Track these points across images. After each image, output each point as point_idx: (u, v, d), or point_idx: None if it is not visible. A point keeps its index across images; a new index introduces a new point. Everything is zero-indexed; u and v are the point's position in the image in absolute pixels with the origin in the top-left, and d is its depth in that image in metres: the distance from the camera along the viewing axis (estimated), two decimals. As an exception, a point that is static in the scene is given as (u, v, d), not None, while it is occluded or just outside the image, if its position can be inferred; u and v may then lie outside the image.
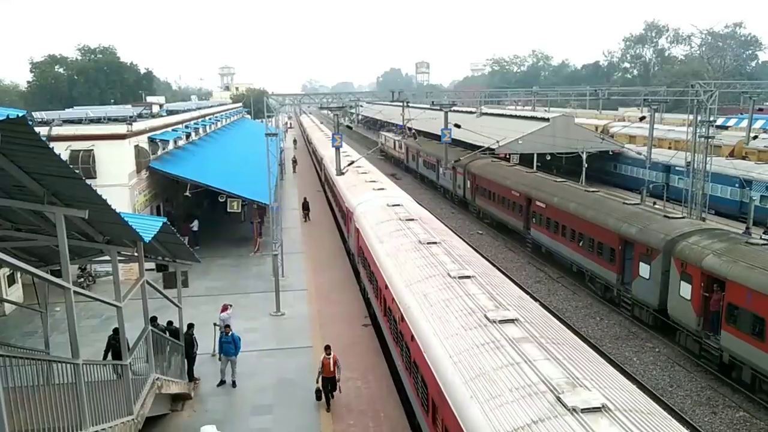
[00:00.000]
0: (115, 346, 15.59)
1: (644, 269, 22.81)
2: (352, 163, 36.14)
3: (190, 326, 17.88)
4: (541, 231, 32.06)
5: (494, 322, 12.43)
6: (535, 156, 49.29)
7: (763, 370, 17.29)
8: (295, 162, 69.97)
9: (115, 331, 15.78)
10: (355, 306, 24.60)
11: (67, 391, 9.55)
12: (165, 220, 13.46)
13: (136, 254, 13.29)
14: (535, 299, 25.48)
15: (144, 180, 30.40)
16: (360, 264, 25.59)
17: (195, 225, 34.12)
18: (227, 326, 18.31)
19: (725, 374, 19.25)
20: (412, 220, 23.25)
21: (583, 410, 8.90)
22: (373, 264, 20.95)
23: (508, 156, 49.40)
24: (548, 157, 50.37)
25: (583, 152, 42.12)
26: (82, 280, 26.31)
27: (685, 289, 20.44)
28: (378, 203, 27.24)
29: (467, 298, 14.13)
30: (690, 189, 35.14)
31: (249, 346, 19.80)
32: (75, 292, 9.62)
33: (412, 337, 13.98)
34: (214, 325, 20.04)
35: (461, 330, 12.49)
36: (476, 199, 42.95)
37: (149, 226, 12.56)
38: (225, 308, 20.68)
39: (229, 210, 31.21)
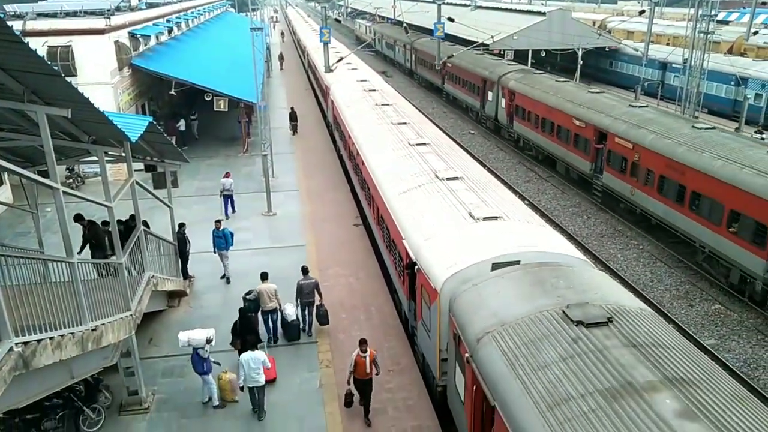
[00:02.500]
0: (86, 236, 15.46)
1: (489, 95, 37.67)
2: (342, 59, 35.14)
3: (182, 225, 18.00)
4: (450, 85, 47.03)
5: (413, 145, 19.85)
6: (530, 53, 48.01)
7: (526, 137, 33.04)
8: (281, 59, 67.88)
9: (77, 218, 15.49)
10: (346, 207, 24.86)
11: (65, 289, 9.78)
12: (151, 119, 13.22)
13: (123, 154, 13.16)
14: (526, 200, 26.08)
15: (127, 78, 29.54)
16: (335, 129, 32.24)
17: (181, 125, 33.61)
18: (218, 221, 18.45)
19: (516, 146, 34.86)
20: (374, 90, 30.32)
21: (448, 179, 16.03)
22: (342, 125, 27.51)
23: (502, 52, 48.13)
24: (543, 54, 49.15)
25: (578, 49, 41.06)
26: (70, 181, 26.20)
27: (503, 103, 35.55)
28: (349, 79, 33.94)
29: (400, 134, 21.48)
30: (685, 87, 34.69)
31: (242, 245, 20.18)
32: (64, 192, 9.61)
33: (363, 162, 20.91)
34: (220, 193, 23.95)
35: (391, 151, 19.87)
36: (417, 68, 57.89)
37: (135, 126, 12.35)
38: (228, 174, 24.10)
39: (216, 109, 30.60)
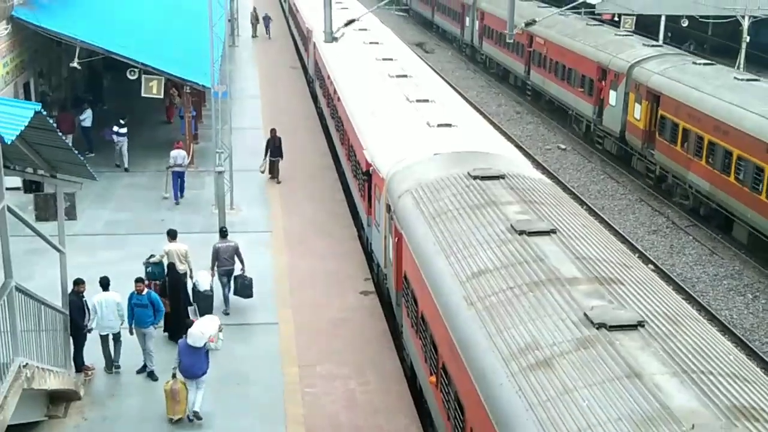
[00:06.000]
0: None
1: (467, 21, 65.76)
2: (352, 22, 35.80)
3: (78, 283, 18.06)
4: (439, 16, 78.42)
5: (392, 77, 30.94)
6: (663, 20, 48.50)
7: (490, 55, 61.34)
8: (255, 20, 68.45)
9: None
10: (350, 261, 25.01)
11: None
12: (39, 107, 13.45)
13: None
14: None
15: (4, 39, 30.16)
16: (315, 80, 45.65)
17: (87, 118, 33.98)
18: (140, 280, 18.38)
19: (484, 68, 64.48)
20: (365, 30, 41.30)
21: (418, 101, 26.72)
22: (323, 68, 39.23)
23: (617, 17, 48.97)
24: (685, 23, 49.60)
25: (744, 16, 41.29)
26: None
27: (477, 25, 62.83)
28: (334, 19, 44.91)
29: (383, 68, 33.05)
30: None
31: (176, 320, 20.17)
32: None
33: (339, 98, 32.00)
34: (167, 168, 28.87)
35: (369, 83, 31.01)
36: (412, 3, 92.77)
37: (12, 117, 12.54)
38: (179, 145, 29.43)
39: (144, 94, 31.08)
